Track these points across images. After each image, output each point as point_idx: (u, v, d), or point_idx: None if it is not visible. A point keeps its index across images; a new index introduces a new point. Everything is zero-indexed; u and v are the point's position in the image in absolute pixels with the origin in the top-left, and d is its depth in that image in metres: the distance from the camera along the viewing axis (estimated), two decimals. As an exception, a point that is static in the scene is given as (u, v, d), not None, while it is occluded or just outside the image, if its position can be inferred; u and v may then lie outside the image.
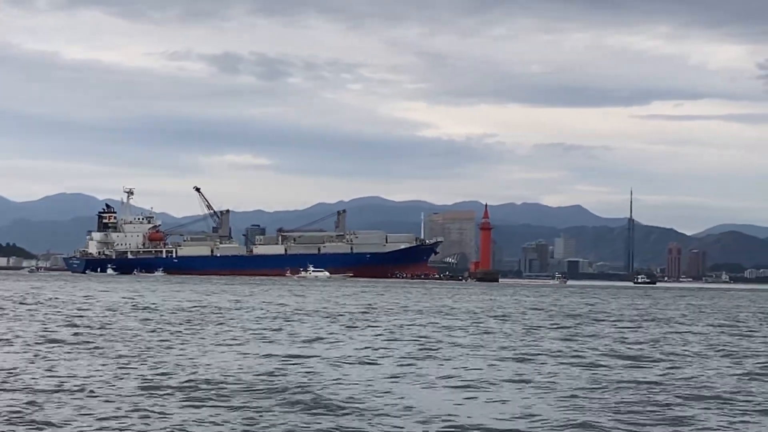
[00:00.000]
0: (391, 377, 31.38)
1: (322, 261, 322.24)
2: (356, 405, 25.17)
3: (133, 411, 23.61)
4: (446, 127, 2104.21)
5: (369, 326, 57.55)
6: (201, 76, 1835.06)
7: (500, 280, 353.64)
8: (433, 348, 42.46)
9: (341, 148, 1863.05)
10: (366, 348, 41.87)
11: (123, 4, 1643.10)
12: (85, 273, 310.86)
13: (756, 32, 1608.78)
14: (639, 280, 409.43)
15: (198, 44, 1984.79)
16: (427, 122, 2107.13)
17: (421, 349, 41.51)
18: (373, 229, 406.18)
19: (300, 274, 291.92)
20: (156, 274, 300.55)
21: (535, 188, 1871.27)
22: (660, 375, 33.63)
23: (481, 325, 62.28)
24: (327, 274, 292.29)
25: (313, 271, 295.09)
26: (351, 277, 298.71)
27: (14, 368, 31.21)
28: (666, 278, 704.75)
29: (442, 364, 35.69)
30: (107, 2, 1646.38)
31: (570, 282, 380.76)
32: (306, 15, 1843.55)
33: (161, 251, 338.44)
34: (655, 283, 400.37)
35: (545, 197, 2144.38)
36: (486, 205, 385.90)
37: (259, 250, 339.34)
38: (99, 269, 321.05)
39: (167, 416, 23.10)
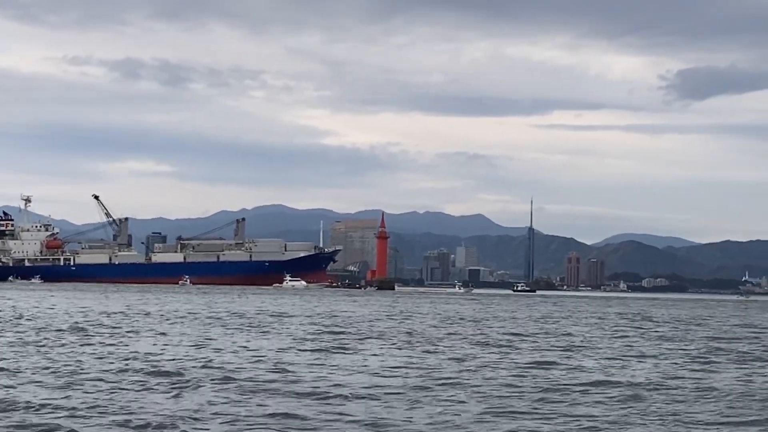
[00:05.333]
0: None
1: (221, 269, 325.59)
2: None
3: None
4: (350, 135, 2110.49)
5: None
6: (102, 82, 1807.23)
7: (396, 288, 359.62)
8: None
9: (245, 156, 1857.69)
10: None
11: (17, 7, 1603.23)
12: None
13: (655, 43, 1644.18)
14: (518, 288, 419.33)
15: (98, 49, 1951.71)
16: (331, 130, 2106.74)
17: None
18: (275, 237, 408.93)
19: (277, 284, 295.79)
20: (32, 281, 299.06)
21: (438, 197, 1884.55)
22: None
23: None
24: (304, 283, 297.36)
25: (290, 280, 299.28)
26: (327, 286, 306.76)
27: None
28: (565, 287, 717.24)
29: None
30: (0, 5, 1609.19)
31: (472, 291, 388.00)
32: (207, 20, 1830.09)
33: (59, 259, 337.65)
34: (534, 291, 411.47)
35: (448, 206, 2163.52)
36: (383, 213, 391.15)
37: (158, 258, 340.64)
38: None
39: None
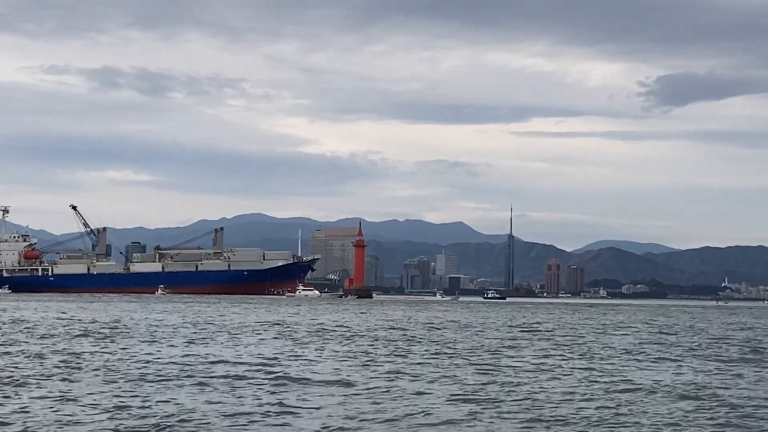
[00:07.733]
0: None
1: (200, 278, 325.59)
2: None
3: None
4: (329, 144, 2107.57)
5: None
6: (80, 91, 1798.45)
7: (375, 296, 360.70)
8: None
9: (224, 165, 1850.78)
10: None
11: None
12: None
13: (634, 50, 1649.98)
14: (488, 296, 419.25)
15: (76, 58, 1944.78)
16: (310, 138, 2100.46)
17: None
18: (256, 246, 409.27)
19: (289, 293, 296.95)
20: (0, 291, 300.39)
21: (418, 205, 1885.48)
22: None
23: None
24: (317, 293, 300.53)
25: (302, 290, 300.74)
26: (340, 296, 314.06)
27: None
28: (545, 294, 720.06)
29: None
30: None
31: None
32: (184, 29, 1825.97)
33: (37, 269, 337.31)
34: (504, 299, 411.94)
35: (428, 214, 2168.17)
36: (360, 222, 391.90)
37: (136, 267, 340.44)
38: None
39: None
